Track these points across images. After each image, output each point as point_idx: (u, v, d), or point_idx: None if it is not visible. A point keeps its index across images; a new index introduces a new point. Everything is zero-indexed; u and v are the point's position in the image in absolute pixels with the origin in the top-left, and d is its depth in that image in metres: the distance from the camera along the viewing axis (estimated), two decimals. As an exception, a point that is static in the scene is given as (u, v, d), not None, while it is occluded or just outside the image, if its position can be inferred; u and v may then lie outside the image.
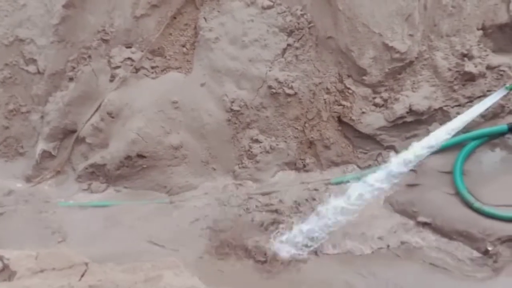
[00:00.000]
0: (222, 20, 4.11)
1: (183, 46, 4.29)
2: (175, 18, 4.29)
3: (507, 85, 3.39)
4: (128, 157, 4.06)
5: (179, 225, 3.71)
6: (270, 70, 4.01)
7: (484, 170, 3.72)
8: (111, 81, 4.31)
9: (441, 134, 3.45)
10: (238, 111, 4.04)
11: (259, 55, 4.04)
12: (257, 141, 4.08)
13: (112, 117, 4.23)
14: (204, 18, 4.15)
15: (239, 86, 4.07)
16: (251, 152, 4.05)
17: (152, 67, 4.34)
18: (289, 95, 3.99)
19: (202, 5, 4.17)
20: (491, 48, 4.15)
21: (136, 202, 4.04)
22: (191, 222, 3.71)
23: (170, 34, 4.31)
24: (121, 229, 3.76)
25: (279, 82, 3.98)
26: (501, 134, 3.89)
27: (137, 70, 4.31)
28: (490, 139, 3.92)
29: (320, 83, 4.09)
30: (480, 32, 4.09)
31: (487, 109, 3.60)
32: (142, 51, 4.31)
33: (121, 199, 4.12)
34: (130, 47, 4.35)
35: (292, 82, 3.99)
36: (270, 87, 4.00)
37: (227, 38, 4.08)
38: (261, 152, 4.05)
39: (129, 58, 4.29)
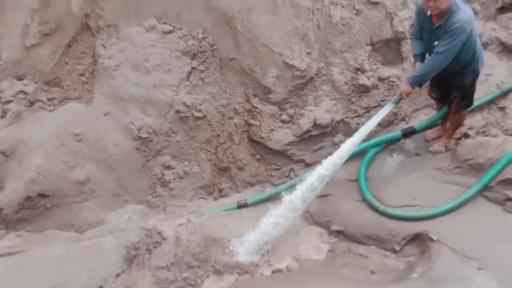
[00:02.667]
0: (122, 47, 3.98)
1: (82, 75, 4.08)
2: (70, 46, 4.07)
3: (392, 100, 3.67)
4: (28, 198, 3.72)
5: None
6: (176, 94, 3.96)
7: (385, 174, 4.01)
8: (2, 117, 3.95)
9: (342, 153, 3.59)
10: (146, 138, 3.92)
11: (164, 80, 3.98)
12: (169, 167, 3.99)
13: (6, 156, 3.87)
14: (102, 45, 4.00)
15: (145, 112, 3.96)
16: (164, 179, 3.94)
17: (49, 99, 4.06)
18: (198, 118, 3.97)
19: (99, 32, 4.01)
20: (380, 61, 4.53)
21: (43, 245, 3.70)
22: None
23: (66, 63, 4.08)
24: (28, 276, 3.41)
25: (187, 106, 3.94)
26: (396, 139, 4.23)
27: (31, 103, 4.00)
28: (388, 145, 4.25)
29: (228, 104, 4.13)
30: (369, 47, 4.45)
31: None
32: (36, 82, 4.02)
33: (25, 244, 3.75)
34: (22, 79, 4.04)
35: (200, 105, 3.98)
36: (178, 111, 3.95)
37: (128, 65, 3.96)
38: (174, 178, 3.96)
39: (21, 91, 3.97)
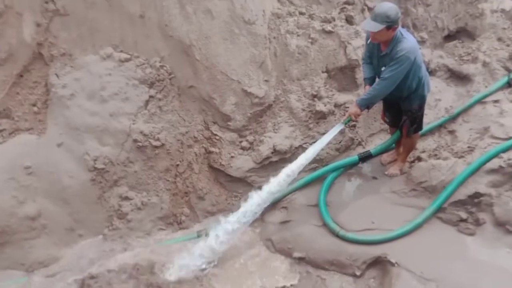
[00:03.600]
0: (77, 76, 3.89)
1: (34, 105, 3.94)
2: (22, 76, 3.93)
3: (342, 120, 3.77)
4: (-25, 236, 3.50)
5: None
6: (134, 123, 3.89)
7: (344, 199, 4.06)
8: None
9: (290, 171, 3.64)
10: (102, 169, 3.80)
11: (121, 108, 3.90)
12: (127, 198, 3.87)
13: (-49, 192, 3.64)
14: (56, 74, 3.89)
15: (101, 142, 3.85)
16: (121, 211, 3.82)
17: (-2, 131, 3.89)
18: (156, 147, 3.91)
19: (53, 61, 3.91)
20: (336, 88, 4.66)
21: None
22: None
23: (18, 93, 3.92)
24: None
25: (145, 135, 3.88)
26: (354, 164, 4.33)
27: (-21, 135, 3.82)
28: (346, 170, 4.33)
29: (187, 132, 4.10)
30: (325, 74, 4.57)
31: (329, 142, 3.91)
32: (-16, 114, 3.85)
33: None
34: (-30, 111, 3.86)
35: (158, 133, 3.92)
36: (135, 140, 3.87)
37: (84, 94, 3.87)
38: (132, 210, 3.84)
39: (-31, 124, 3.79)
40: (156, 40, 4.03)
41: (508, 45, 5.13)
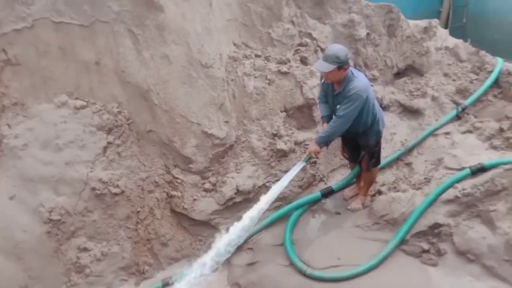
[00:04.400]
0: (30, 125, 3.77)
1: (-17, 157, 3.76)
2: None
3: (303, 158, 3.83)
4: None
5: None
6: (91, 171, 3.78)
7: (309, 236, 4.06)
8: None
9: (255, 213, 3.63)
10: (59, 220, 3.63)
11: (77, 156, 3.79)
12: (85, 249, 3.70)
13: None
14: (8, 124, 3.75)
15: (57, 192, 3.70)
16: (80, 263, 3.63)
17: None
18: (116, 194, 3.79)
19: (4, 112, 3.78)
20: (295, 126, 4.75)
21: None
22: None
23: (-35, 145, 3.75)
24: None
25: (104, 182, 3.76)
26: (317, 200, 4.36)
27: None
28: (310, 207, 4.35)
29: (147, 177, 4.02)
30: (284, 113, 4.67)
31: (292, 180, 3.94)
32: None
33: None
34: None
35: (118, 180, 3.82)
36: (93, 188, 3.75)
37: (37, 143, 3.74)
38: (91, 262, 3.66)
39: None
40: (113, 86, 4.00)
41: (454, 80, 5.45)
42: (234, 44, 4.75)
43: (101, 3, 3.87)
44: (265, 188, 4.33)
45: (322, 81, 3.84)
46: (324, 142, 3.76)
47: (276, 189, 3.74)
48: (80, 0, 3.81)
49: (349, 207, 4.30)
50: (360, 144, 4.02)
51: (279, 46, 4.95)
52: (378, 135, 3.97)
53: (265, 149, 4.41)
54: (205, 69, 4.20)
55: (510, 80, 5.07)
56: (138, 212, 3.89)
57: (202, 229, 4.14)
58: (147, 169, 4.05)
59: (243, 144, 4.42)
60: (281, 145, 4.43)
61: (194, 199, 4.11)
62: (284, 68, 4.71)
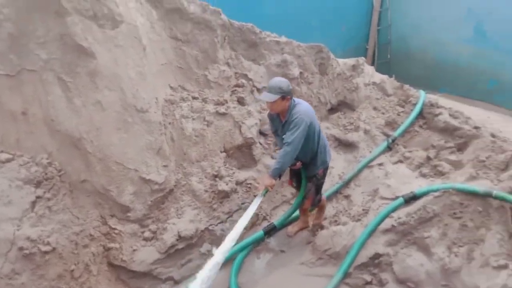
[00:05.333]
0: None
1: None
2: None
3: (260, 194, 3.82)
4: None
5: None
6: (18, 229, 3.50)
7: (256, 278, 4.01)
8: None
9: (220, 255, 3.47)
10: (-18, 286, 3.32)
11: (3, 214, 3.50)
12: (13, 316, 3.38)
13: None
14: None
15: (-20, 255, 3.39)
16: (6, 332, 3.31)
17: None
18: (46, 252, 3.53)
19: None
20: (236, 166, 4.76)
21: None
22: None
23: None
24: None
25: (32, 241, 3.49)
26: (261, 239, 4.33)
27: None
28: (254, 247, 4.31)
29: (81, 230, 3.80)
30: (224, 154, 4.67)
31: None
32: None
33: None
34: None
35: (48, 237, 3.57)
36: (21, 248, 3.46)
37: (-44, 202, 3.44)
38: (20, 329, 3.35)
39: None
40: (41, 136, 3.81)
41: (383, 113, 5.76)
42: (171, 87, 4.74)
43: (28, 51, 3.73)
44: (208, 231, 4.25)
45: (269, 114, 3.99)
46: (278, 173, 3.79)
47: (237, 230, 3.60)
48: (5, 49, 3.66)
49: (311, 224, 4.47)
50: (307, 175, 4.09)
51: (216, 88, 5.00)
52: (325, 165, 4.07)
53: (206, 191, 4.36)
54: (141, 114, 4.14)
55: (433, 111, 5.45)
56: (72, 270, 3.63)
57: (143, 281, 3.94)
58: (81, 222, 3.83)
59: (183, 188, 4.34)
60: (222, 186, 4.41)
61: (134, 250, 3.94)
62: (222, 109, 4.75)
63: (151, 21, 4.56)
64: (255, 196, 3.99)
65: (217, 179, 4.46)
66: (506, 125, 5.70)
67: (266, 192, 3.84)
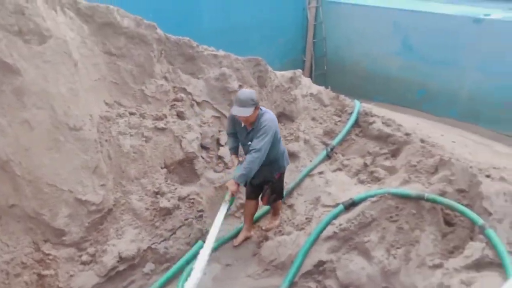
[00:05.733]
0: None
1: None
2: None
3: (227, 200, 3.91)
4: None
5: None
6: None
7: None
8: None
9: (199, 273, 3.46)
10: None
11: None
12: None
13: None
14: None
15: None
16: None
17: None
18: (-29, 285, 3.26)
19: None
20: (177, 181, 4.67)
21: None
22: None
23: None
24: None
25: (-46, 273, 3.22)
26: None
27: None
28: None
29: (12, 259, 3.54)
30: (165, 170, 4.57)
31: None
32: None
33: None
34: None
35: (-27, 268, 3.30)
36: None
37: None
38: None
39: None
40: (-38, 159, 3.53)
41: (321, 123, 5.93)
42: (106, 104, 4.58)
43: None
44: (150, 250, 4.12)
45: (233, 121, 4.05)
46: (245, 180, 3.90)
47: (210, 240, 3.66)
48: None
49: (264, 228, 4.53)
50: (264, 179, 4.20)
51: (154, 103, 4.90)
52: (282, 170, 4.26)
53: (147, 209, 4.24)
54: (74, 132, 3.95)
55: (367, 120, 5.69)
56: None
57: (83, 307, 3.73)
58: (11, 250, 3.58)
59: (123, 207, 4.19)
60: (164, 202, 4.30)
61: (71, 275, 3.73)
62: (161, 124, 4.66)
63: (82, 36, 4.40)
64: (220, 204, 4.02)
65: (158, 196, 4.35)
66: (434, 131, 6.06)
67: (234, 199, 3.94)
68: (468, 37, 8.45)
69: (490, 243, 3.34)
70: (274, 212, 4.64)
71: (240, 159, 4.20)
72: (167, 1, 8.16)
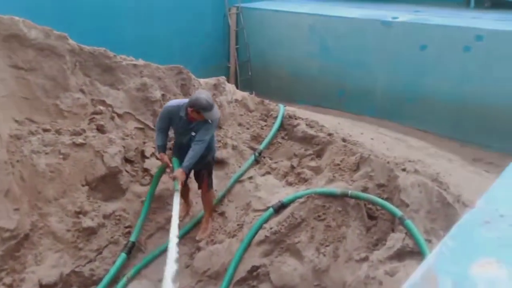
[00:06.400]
0: None
1: None
2: None
3: (175, 189, 4.02)
4: None
5: None
6: None
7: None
8: None
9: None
10: None
11: None
12: None
13: None
14: None
15: None
16: None
17: None
18: None
19: None
20: (101, 198, 4.45)
21: None
22: None
23: None
24: None
25: None
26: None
27: None
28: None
29: None
30: (86, 187, 4.33)
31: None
32: None
33: None
34: None
35: None
36: None
37: None
38: None
39: None
40: None
41: (247, 128, 5.97)
42: (16, 121, 4.25)
43: None
44: (74, 274, 3.88)
45: (170, 116, 4.15)
46: (191, 168, 4.18)
47: (174, 230, 3.71)
48: None
49: (197, 238, 4.44)
50: (201, 166, 4.36)
51: (70, 117, 4.63)
52: (213, 154, 4.58)
53: (68, 230, 3.99)
54: (-21, 154, 3.62)
55: (292, 123, 5.83)
56: None
57: None
58: None
59: (41, 231, 3.91)
60: (87, 222, 4.08)
61: (-15, 311, 3.40)
62: (79, 140, 4.42)
63: (-16, 49, 4.05)
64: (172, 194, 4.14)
65: (80, 215, 4.12)
66: (354, 130, 6.37)
67: (177, 185, 4.02)
68: (378, 38, 9.02)
69: (409, 233, 3.56)
70: (207, 206, 4.59)
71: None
72: (82, 11, 7.83)
